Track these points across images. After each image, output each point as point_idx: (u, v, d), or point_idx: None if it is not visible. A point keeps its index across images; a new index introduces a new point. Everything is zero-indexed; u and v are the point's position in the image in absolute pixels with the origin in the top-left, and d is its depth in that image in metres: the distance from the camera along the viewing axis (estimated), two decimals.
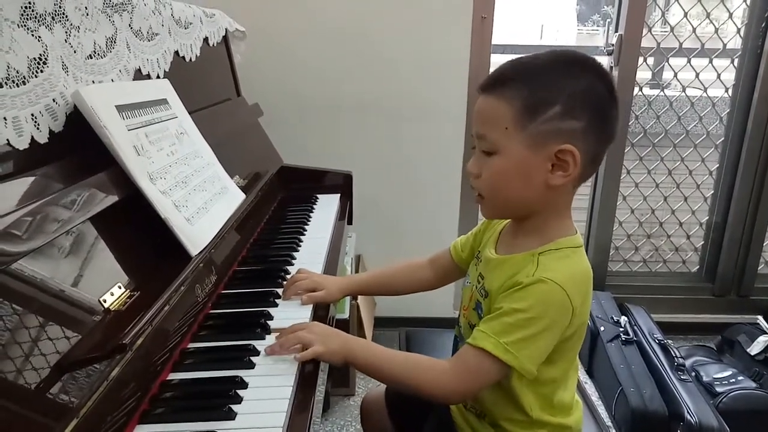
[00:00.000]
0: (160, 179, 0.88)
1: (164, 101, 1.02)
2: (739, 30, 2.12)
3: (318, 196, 1.57)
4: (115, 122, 0.82)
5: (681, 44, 2.14)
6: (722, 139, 2.24)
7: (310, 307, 0.97)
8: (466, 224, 2.08)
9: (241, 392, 0.72)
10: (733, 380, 1.80)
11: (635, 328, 1.97)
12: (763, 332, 1.98)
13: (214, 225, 0.99)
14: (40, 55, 0.74)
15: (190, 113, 1.10)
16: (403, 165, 2.04)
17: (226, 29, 1.53)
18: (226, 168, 1.15)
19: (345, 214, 1.54)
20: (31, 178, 0.68)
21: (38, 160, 0.70)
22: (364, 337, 1.86)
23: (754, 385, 1.77)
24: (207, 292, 0.93)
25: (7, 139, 0.66)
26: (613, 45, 2.03)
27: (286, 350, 0.80)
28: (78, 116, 0.77)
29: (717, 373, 1.84)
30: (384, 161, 2.03)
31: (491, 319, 0.78)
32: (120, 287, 0.74)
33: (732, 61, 2.15)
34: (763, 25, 2.03)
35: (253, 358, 0.79)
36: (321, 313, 0.99)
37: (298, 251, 1.20)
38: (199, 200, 0.97)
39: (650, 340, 1.89)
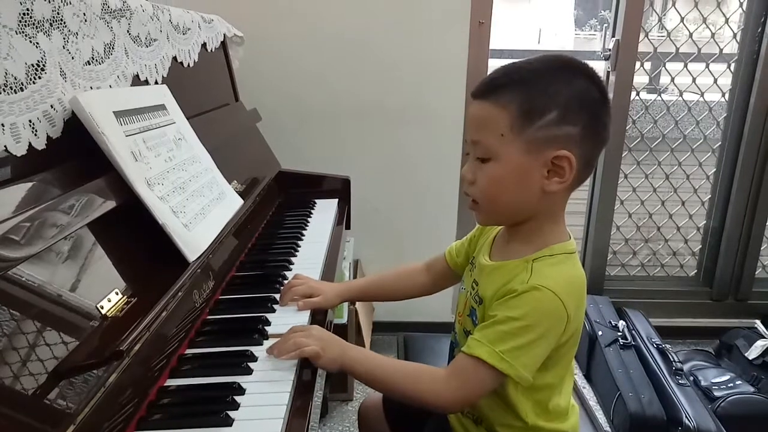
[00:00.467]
0: (158, 185, 0.88)
1: (162, 107, 1.03)
2: (735, 35, 2.13)
3: (316, 200, 1.58)
4: (112, 128, 0.82)
5: (678, 49, 2.14)
6: (719, 143, 2.24)
7: (308, 312, 0.96)
8: (464, 229, 2.08)
9: (238, 398, 0.72)
10: (731, 384, 1.80)
11: (633, 332, 1.97)
12: (761, 336, 1.98)
13: (211, 230, 0.99)
14: (38, 61, 0.74)
15: (188, 118, 1.10)
16: (400, 169, 2.05)
17: (224, 35, 1.53)
18: (224, 173, 1.15)
19: (343, 219, 1.54)
20: (29, 184, 0.68)
21: (36, 167, 0.70)
22: (362, 341, 1.86)
23: (752, 389, 1.78)
24: (204, 298, 0.93)
25: (5, 146, 0.66)
26: (610, 50, 2.04)
27: (285, 354, 0.80)
28: (76, 122, 0.77)
29: (715, 377, 1.85)
30: (382, 166, 2.03)
31: (486, 327, 0.78)
32: (117, 293, 0.74)
33: (728, 66, 2.15)
34: (760, 30, 2.04)
35: (251, 364, 0.79)
36: (319, 318, 0.98)
37: (296, 256, 1.20)
38: (196, 206, 0.97)
39: (648, 344, 1.89)
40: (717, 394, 1.75)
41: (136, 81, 1.03)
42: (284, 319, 0.93)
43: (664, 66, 2.22)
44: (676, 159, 2.29)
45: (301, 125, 1.98)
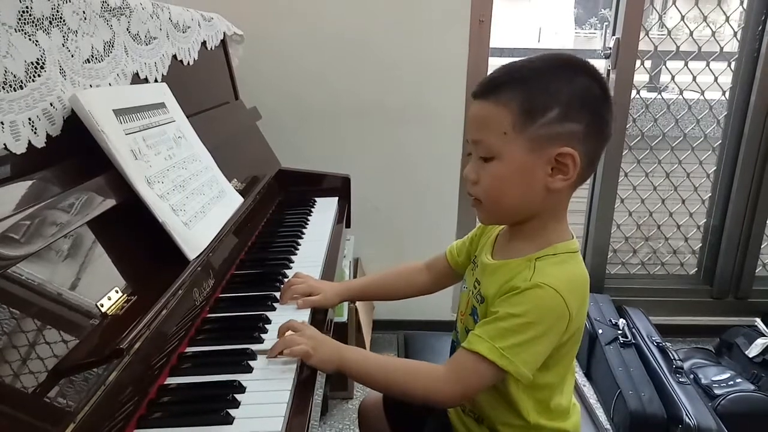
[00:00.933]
0: (158, 183, 0.88)
1: (162, 105, 1.02)
2: (735, 33, 2.13)
3: (316, 199, 1.57)
4: (112, 126, 0.82)
5: (678, 47, 2.14)
6: (720, 141, 2.24)
7: (308, 311, 0.96)
8: (465, 228, 2.08)
9: (238, 396, 0.72)
10: (732, 382, 1.80)
11: (633, 330, 1.97)
12: (761, 334, 1.98)
13: (211, 229, 0.99)
14: (38, 59, 0.74)
15: (188, 117, 1.10)
16: (401, 168, 2.05)
17: (224, 33, 1.53)
18: (224, 171, 1.15)
19: (343, 218, 1.54)
20: (29, 182, 0.68)
21: (35, 165, 0.70)
22: (362, 339, 1.86)
23: (752, 387, 1.78)
24: (205, 296, 0.93)
25: (4, 144, 0.66)
26: (610, 48, 2.04)
27: (275, 353, 0.80)
28: (75, 120, 0.77)
29: (715, 375, 1.85)
30: (382, 164, 2.03)
31: (487, 323, 0.78)
32: (117, 291, 0.74)
33: (729, 64, 2.15)
34: (760, 28, 2.04)
35: (251, 362, 0.79)
36: (319, 317, 0.99)
37: (296, 255, 1.20)
38: (196, 204, 0.97)
39: (648, 342, 1.90)
40: (717, 392, 1.75)
41: (136, 79, 1.02)
42: (285, 318, 0.92)
43: (665, 64, 2.22)
44: (676, 157, 2.29)
45: (301, 124, 1.97)
